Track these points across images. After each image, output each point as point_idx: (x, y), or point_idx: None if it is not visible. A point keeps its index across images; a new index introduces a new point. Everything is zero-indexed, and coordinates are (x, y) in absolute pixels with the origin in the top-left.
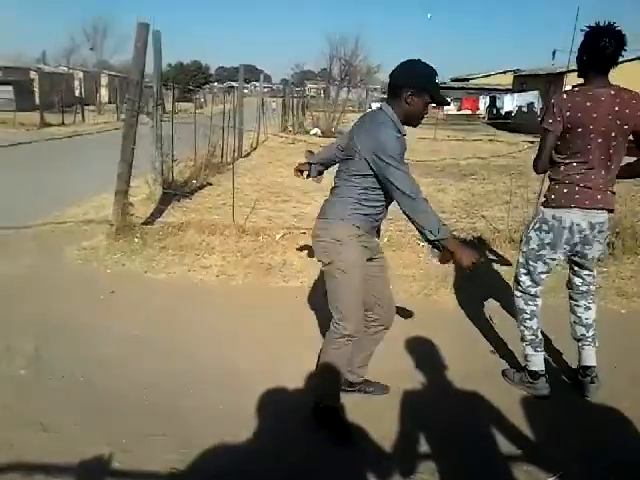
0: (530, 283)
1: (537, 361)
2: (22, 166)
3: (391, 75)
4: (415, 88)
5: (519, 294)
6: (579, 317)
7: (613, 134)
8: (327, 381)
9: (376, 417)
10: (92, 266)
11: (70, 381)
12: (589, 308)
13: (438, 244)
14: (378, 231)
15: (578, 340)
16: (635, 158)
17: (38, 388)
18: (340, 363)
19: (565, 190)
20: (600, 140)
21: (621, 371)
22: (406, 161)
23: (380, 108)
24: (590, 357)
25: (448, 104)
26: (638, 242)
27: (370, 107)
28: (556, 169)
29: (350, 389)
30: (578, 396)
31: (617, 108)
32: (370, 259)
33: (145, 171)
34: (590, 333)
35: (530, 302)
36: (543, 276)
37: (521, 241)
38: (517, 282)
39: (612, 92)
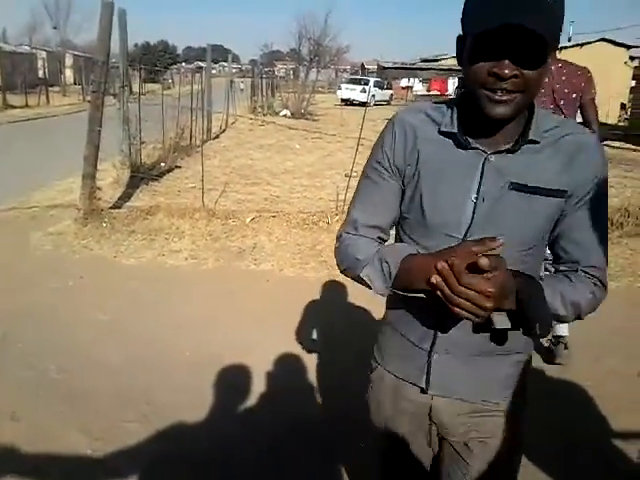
0: None
1: None
2: None
3: None
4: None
5: None
6: None
7: (562, 102)
8: None
9: (344, 394)
10: (60, 252)
11: (40, 369)
12: None
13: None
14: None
15: None
16: None
17: (8, 377)
18: None
19: None
20: (551, 108)
21: (586, 351)
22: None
23: None
24: (563, 328)
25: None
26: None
27: (339, 88)
28: None
29: None
30: (543, 375)
31: (564, 78)
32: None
33: (112, 154)
34: None
35: None
36: None
37: None
38: None
39: (559, 64)
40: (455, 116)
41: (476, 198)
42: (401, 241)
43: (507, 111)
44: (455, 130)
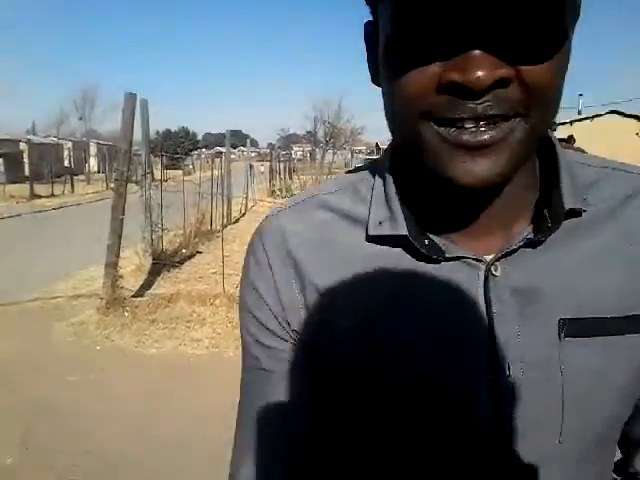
0: None
1: None
2: (10, 240)
3: None
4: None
5: None
6: None
7: None
8: None
9: None
10: (82, 343)
11: (60, 471)
12: None
13: None
14: None
15: None
16: None
17: (27, 478)
18: None
19: None
20: None
21: None
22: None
23: None
24: None
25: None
26: None
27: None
28: None
29: None
30: None
31: None
32: None
33: (135, 241)
34: None
35: None
36: None
37: None
38: None
39: None
40: (394, 194)
41: (493, 372)
42: None
43: (494, 168)
44: (403, 231)
